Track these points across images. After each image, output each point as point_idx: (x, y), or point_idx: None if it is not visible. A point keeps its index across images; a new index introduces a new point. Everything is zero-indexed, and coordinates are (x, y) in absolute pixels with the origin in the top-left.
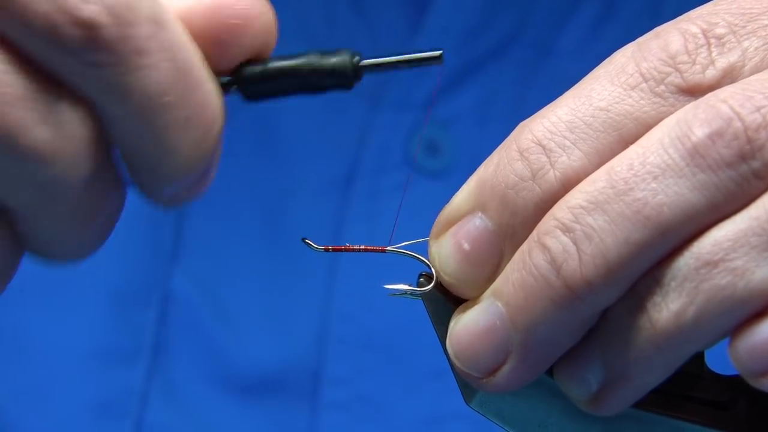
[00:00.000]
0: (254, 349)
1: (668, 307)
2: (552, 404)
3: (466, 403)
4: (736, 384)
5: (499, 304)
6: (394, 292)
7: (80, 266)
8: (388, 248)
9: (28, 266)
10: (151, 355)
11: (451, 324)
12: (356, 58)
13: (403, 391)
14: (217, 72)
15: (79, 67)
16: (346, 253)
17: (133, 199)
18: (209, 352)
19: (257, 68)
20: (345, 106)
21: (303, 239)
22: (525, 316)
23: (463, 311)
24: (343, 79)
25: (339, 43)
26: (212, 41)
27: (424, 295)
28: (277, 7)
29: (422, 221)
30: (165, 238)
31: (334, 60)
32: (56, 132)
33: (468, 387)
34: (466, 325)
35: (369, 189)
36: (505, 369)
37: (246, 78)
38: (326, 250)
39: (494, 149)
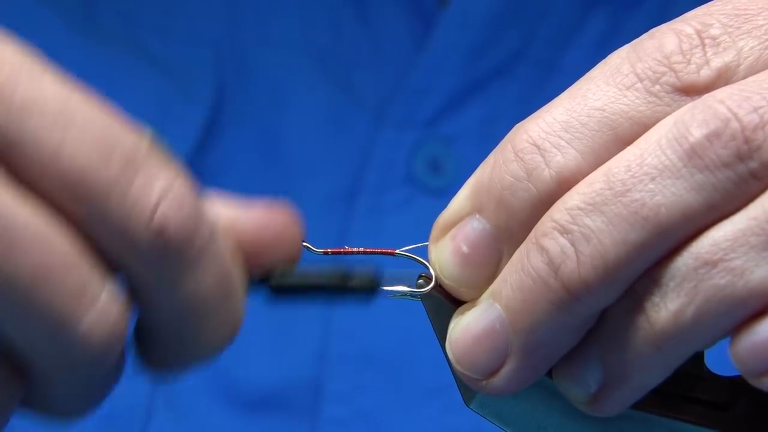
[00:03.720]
0: (256, 365)
1: (667, 307)
2: (552, 405)
3: (466, 404)
4: (735, 384)
5: (498, 306)
6: (394, 294)
7: None
8: (398, 251)
9: None
10: None
11: (451, 326)
12: (375, 283)
13: (404, 407)
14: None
15: (142, 264)
16: (347, 257)
17: None
18: (212, 366)
19: (285, 280)
20: (348, 123)
21: (302, 242)
22: (523, 318)
23: (462, 313)
24: (363, 298)
25: (344, 57)
26: (249, 252)
27: (423, 297)
28: (284, 21)
29: (424, 239)
30: None
31: (355, 282)
32: (104, 318)
33: (467, 388)
34: (465, 327)
35: (371, 206)
36: (505, 371)
37: (274, 288)
38: (325, 253)
39: None
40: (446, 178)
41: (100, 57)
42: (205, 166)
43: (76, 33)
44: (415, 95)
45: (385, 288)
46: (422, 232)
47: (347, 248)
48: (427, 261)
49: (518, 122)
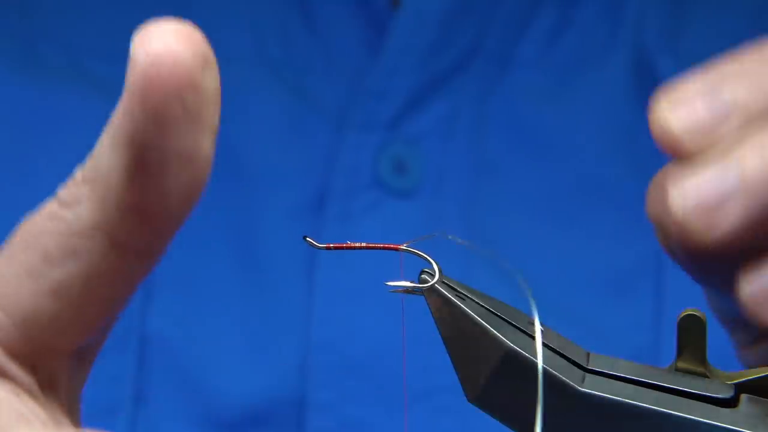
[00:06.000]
0: (237, 383)
1: None
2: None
3: (468, 400)
4: (739, 382)
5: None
6: (396, 288)
7: None
8: (402, 246)
9: None
10: (132, 405)
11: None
12: None
13: (391, 413)
14: None
15: None
16: (338, 260)
17: None
18: (191, 391)
19: None
20: (309, 131)
21: (304, 237)
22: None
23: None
24: None
25: (296, 66)
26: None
27: (426, 291)
28: (234, 35)
29: (395, 241)
30: None
31: None
32: None
33: (469, 383)
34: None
35: (340, 212)
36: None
37: None
38: (327, 248)
39: (461, 164)
40: (412, 179)
41: (45, 91)
42: None
43: (16, 70)
44: (374, 98)
45: (388, 283)
46: (393, 234)
47: (350, 243)
48: (430, 256)
49: (479, 117)
